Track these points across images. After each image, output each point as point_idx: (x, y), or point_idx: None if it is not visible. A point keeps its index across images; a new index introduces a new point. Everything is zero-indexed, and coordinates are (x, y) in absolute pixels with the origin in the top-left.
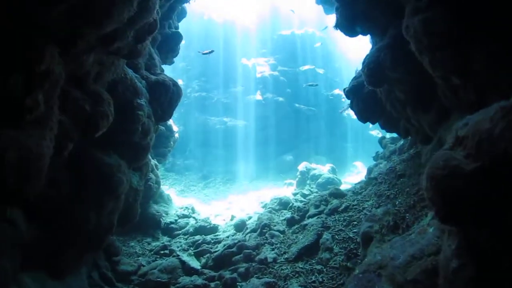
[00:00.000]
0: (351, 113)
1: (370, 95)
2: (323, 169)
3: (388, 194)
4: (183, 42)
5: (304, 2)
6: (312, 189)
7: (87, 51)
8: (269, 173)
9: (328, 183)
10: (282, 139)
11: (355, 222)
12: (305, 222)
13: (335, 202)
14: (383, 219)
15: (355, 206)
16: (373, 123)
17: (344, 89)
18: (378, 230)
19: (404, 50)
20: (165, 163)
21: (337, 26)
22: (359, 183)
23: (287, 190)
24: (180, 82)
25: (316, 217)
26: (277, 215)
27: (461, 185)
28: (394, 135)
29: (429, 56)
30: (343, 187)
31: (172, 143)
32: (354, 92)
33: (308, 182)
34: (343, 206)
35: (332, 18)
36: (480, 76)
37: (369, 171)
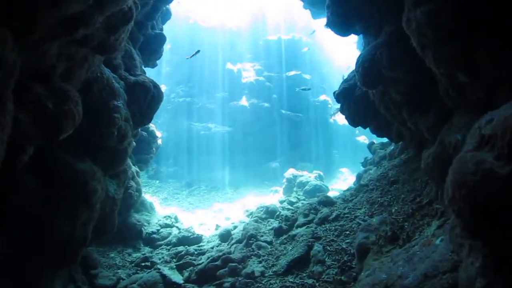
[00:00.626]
0: (338, 119)
1: (362, 98)
2: (310, 176)
3: (381, 201)
4: (168, 46)
5: (291, 7)
6: (299, 197)
7: (49, 38)
8: (255, 181)
9: (316, 190)
10: (268, 145)
11: (347, 232)
12: (293, 232)
13: (325, 210)
14: (380, 229)
15: (346, 215)
16: (364, 127)
17: (334, 92)
18: (375, 241)
19: (401, 47)
20: (148, 170)
21: (329, 24)
22: (348, 189)
23: (273, 197)
24: (163, 87)
25: (305, 226)
26: (264, 224)
27: (496, 191)
28: (384, 140)
29: (434, 51)
30: (331, 193)
31: (154, 149)
32: (345, 95)
33: (295, 189)
34: (334, 214)
35: (320, 23)
36: (489, 72)
37: (359, 177)
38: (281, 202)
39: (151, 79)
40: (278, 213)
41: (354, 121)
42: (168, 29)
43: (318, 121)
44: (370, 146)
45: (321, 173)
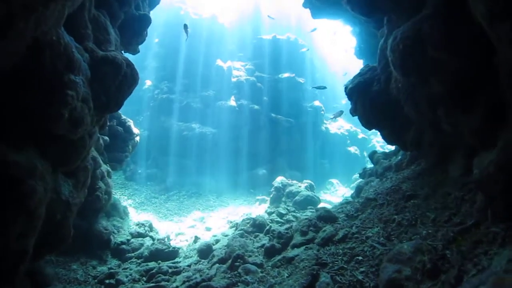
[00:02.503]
0: (329, 127)
1: (381, 95)
2: (301, 186)
3: (398, 220)
4: (156, 40)
5: (288, 7)
6: (288, 208)
7: None
8: (240, 188)
9: (307, 201)
10: (256, 151)
11: (359, 257)
12: (290, 254)
13: (328, 228)
14: (415, 259)
15: (355, 235)
16: (380, 130)
17: (345, 87)
18: (411, 276)
19: (453, 22)
20: (126, 170)
21: (350, 2)
22: (347, 203)
23: (259, 207)
24: (148, 82)
25: (304, 247)
26: (251, 240)
27: None
28: (387, 150)
29: None
30: (322, 206)
31: (130, 147)
32: (360, 91)
33: (283, 199)
34: (340, 234)
35: (319, 23)
36: None
37: (358, 189)
38: (269, 213)
39: (125, 57)
40: (268, 227)
41: (369, 122)
42: (156, 19)
43: (310, 128)
44: (372, 155)
45: (312, 183)
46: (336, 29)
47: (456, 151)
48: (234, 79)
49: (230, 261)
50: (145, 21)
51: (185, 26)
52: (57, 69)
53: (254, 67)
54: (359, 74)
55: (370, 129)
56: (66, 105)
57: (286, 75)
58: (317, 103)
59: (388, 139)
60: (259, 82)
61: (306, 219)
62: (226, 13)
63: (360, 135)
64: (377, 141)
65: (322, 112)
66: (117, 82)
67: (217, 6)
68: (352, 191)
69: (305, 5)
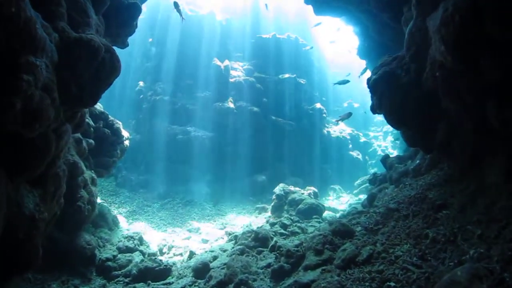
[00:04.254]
0: (331, 130)
1: (413, 86)
2: (304, 193)
3: (432, 235)
4: (150, 39)
5: (288, 4)
6: (292, 218)
7: None
8: (238, 196)
9: (311, 210)
10: (255, 156)
11: (391, 284)
12: (303, 279)
13: (348, 247)
14: None
15: (382, 254)
16: (407, 129)
17: (369, 79)
18: None
19: None
20: (118, 176)
21: None
22: (359, 212)
23: (259, 217)
24: (141, 83)
25: (321, 269)
26: (254, 257)
27: None
28: (389, 154)
29: None
30: (326, 214)
31: (119, 152)
32: (386, 83)
33: (286, 208)
34: (364, 254)
35: (322, 19)
36: None
37: (371, 197)
38: (272, 224)
39: (104, 41)
40: (273, 243)
41: (396, 118)
42: (149, 17)
43: (311, 131)
44: (385, 160)
45: (316, 190)
46: (339, 26)
47: (497, 154)
48: (232, 80)
49: (232, 286)
50: (134, 10)
51: (176, 4)
52: (11, 47)
53: (253, 67)
54: (383, 64)
55: (398, 129)
56: (18, 92)
57: (286, 75)
58: (318, 105)
59: (411, 141)
60: (258, 83)
61: (320, 234)
62: (224, 10)
63: (362, 139)
64: (378, 145)
65: (324, 115)
66: (92, 69)
67: (215, 3)
68: (355, 198)
69: (307, 1)
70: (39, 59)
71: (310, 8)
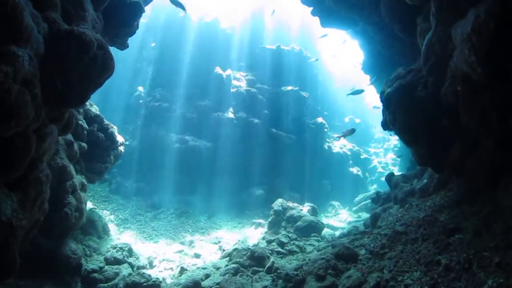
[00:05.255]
0: (332, 146)
1: (430, 101)
2: (303, 209)
3: (445, 262)
4: (152, 44)
5: (293, 17)
6: (290, 235)
7: None
8: (234, 209)
9: (310, 227)
10: (253, 168)
11: None
12: None
13: (353, 273)
14: None
15: (391, 283)
16: (423, 146)
17: (382, 92)
18: None
19: None
20: (112, 182)
21: None
22: (361, 233)
23: (255, 232)
24: (140, 89)
25: None
26: (249, 278)
27: None
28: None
29: None
30: (325, 231)
31: (112, 157)
32: (402, 97)
33: (283, 224)
34: (371, 282)
35: (328, 31)
36: None
37: (374, 217)
38: (269, 242)
39: (98, 36)
40: (270, 263)
41: (414, 137)
42: (153, 20)
43: (312, 146)
44: (390, 178)
45: (315, 207)
46: (345, 39)
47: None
48: (233, 90)
49: None
50: (136, 10)
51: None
52: None
53: (256, 78)
54: (397, 77)
55: (411, 147)
56: None
57: (289, 88)
58: (320, 119)
59: (422, 160)
60: (260, 94)
61: (322, 258)
62: (229, 18)
63: (363, 155)
64: (378, 162)
65: (326, 129)
66: (82, 66)
67: (220, 10)
68: (355, 215)
69: (314, 13)
70: (22, 49)
71: (315, 20)
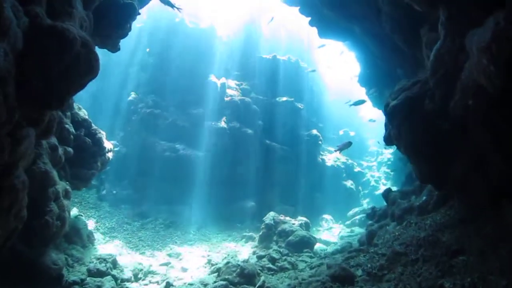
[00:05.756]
0: (326, 158)
1: (438, 115)
2: (295, 223)
3: (448, 286)
4: (147, 49)
5: (290, 27)
6: (281, 250)
7: None
8: (224, 221)
9: (303, 242)
10: (245, 180)
11: None
12: None
13: None
14: None
15: None
16: (427, 162)
17: (386, 105)
18: None
19: None
20: (100, 189)
21: None
22: (357, 250)
23: (246, 246)
24: (133, 95)
25: None
26: None
27: None
28: (382, 185)
29: None
30: (317, 246)
31: (99, 164)
32: (407, 110)
33: (275, 238)
34: None
35: (326, 42)
36: None
37: (370, 235)
38: (259, 257)
39: (83, 34)
40: (260, 283)
41: (418, 153)
42: (148, 26)
43: (306, 158)
44: (387, 194)
45: (308, 221)
46: (342, 50)
47: None
48: (227, 98)
49: None
50: (130, 11)
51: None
52: None
53: (251, 88)
54: (402, 89)
55: (415, 162)
56: None
57: (284, 99)
58: (315, 131)
59: (424, 176)
60: (254, 104)
61: (317, 281)
62: (225, 25)
63: (357, 169)
64: (371, 176)
65: (320, 142)
66: (63, 64)
67: (217, 17)
68: (347, 229)
69: (311, 23)
70: None
71: (313, 31)
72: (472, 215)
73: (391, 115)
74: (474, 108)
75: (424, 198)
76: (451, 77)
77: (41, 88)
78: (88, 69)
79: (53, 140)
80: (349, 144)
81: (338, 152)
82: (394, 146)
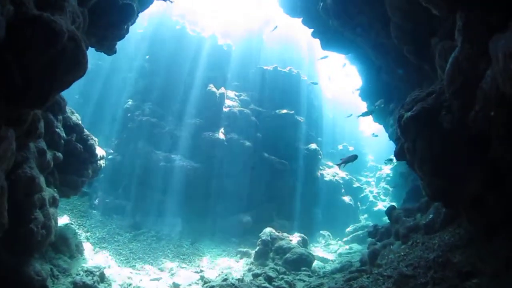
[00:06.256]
0: (324, 173)
1: (455, 128)
2: (292, 240)
3: None
4: (147, 57)
5: (292, 39)
6: (278, 268)
7: None
8: (219, 235)
9: (301, 260)
10: (242, 193)
11: None
12: None
13: None
14: None
15: None
16: (442, 178)
17: (400, 116)
18: None
19: None
20: (92, 197)
21: None
22: (359, 271)
23: (241, 262)
24: (130, 101)
25: None
26: None
27: None
28: (380, 201)
29: None
30: (315, 263)
31: (90, 171)
32: (423, 123)
33: (271, 255)
34: None
35: (328, 54)
36: None
37: (373, 254)
38: (255, 276)
39: (71, 27)
40: None
41: (434, 169)
42: (148, 32)
43: (305, 173)
44: (390, 212)
45: (306, 237)
46: (345, 63)
47: None
48: (226, 109)
49: None
50: (128, 12)
51: None
52: None
53: (250, 99)
54: (416, 100)
55: (429, 178)
56: None
57: (284, 111)
58: (314, 146)
59: (435, 193)
60: (253, 116)
61: None
62: (226, 35)
63: (355, 184)
64: (370, 191)
65: (320, 156)
66: (46, 58)
67: (218, 26)
68: (345, 246)
69: (314, 35)
70: None
71: (315, 42)
72: (484, 234)
73: (406, 128)
74: (498, 120)
75: (431, 216)
76: (470, 86)
77: (21, 83)
78: (75, 65)
79: (42, 144)
80: (354, 157)
81: (343, 165)
82: (393, 161)
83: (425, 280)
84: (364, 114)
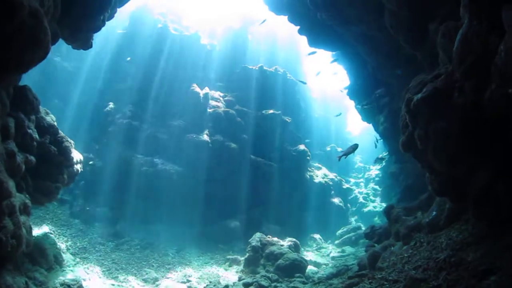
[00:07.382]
0: (313, 175)
1: (469, 111)
2: (283, 245)
3: None
4: (128, 58)
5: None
6: (270, 275)
7: None
8: (206, 242)
9: (294, 266)
10: (229, 197)
11: None
12: None
13: None
14: None
15: None
16: (456, 168)
17: (409, 99)
18: None
19: None
20: (73, 205)
21: None
22: (358, 276)
23: (230, 270)
24: (111, 105)
25: None
26: None
27: None
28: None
29: None
30: (309, 268)
31: (66, 177)
32: (436, 104)
33: (262, 262)
34: None
35: (317, 50)
36: None
37: (373, 257)
38: (246, 285)
39: (34, 4)
40: None
41: (451, 158)
42: (129, 32)
43: (293, 175)
44: (389, 211)
45: (297, 242)
46: (333, 59)
47: None
48: (210, 110)
49: None
50: (103, 2)
51: None
52: None
53: (235, 99)
54: (423, 82)
55: (435, 171)
56: None
57: (270, 111)
58: (302, 147)
59: (441, 189)
60: (239, 117)
61: None
62: (210, 34)
63: (345, 185)
64: (359, 192)
65: (308, 157)
66: (4, 34)
67: (202, 24)
68: (338, 249)
69: (301, 32)
70: None
71: (302, 40)
72: (496, 230)
73: (416, 112)
74: None
75: (434, 213)
76: (482, 64)
77: None
78: (34, 43)
79: (12, 145)
80: (355, 147)
81: (344, 157)
82: (383, 162)
83: (438, 283)
84: (365, 105)
